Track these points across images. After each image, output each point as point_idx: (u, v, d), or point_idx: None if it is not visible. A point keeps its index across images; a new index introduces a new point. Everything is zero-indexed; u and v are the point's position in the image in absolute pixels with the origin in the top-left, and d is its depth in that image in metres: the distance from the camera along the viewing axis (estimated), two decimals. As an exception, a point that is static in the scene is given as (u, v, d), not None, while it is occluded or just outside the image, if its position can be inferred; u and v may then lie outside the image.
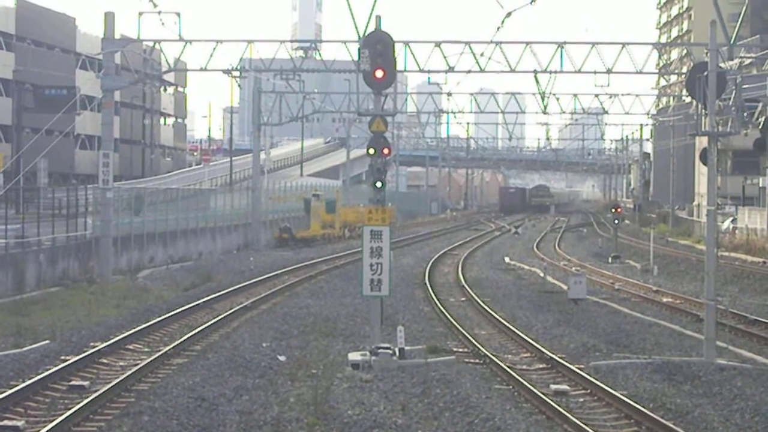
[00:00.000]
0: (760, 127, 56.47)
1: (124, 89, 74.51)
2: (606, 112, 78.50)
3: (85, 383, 22.13)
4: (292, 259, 58.44)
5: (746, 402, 21.10)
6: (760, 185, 78.44)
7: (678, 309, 37.84)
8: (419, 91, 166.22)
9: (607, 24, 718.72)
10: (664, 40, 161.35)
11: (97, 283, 42.62)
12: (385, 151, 26.36)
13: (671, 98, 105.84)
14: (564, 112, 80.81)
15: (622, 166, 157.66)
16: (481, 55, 49.60)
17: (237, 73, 63.19)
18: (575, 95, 75.75)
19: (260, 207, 70.62)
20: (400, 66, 45.97)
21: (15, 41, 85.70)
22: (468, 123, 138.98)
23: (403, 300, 38.45)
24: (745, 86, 50.10)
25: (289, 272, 48.97)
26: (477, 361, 26.03)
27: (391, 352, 25.06)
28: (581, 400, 21.70)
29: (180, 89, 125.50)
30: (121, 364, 24.76)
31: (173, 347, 26.25)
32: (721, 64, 39.55)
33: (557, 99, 71.62)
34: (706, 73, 26.89)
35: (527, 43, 50.10)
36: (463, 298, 40.53)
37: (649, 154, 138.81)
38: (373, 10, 34.30)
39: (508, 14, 41.62)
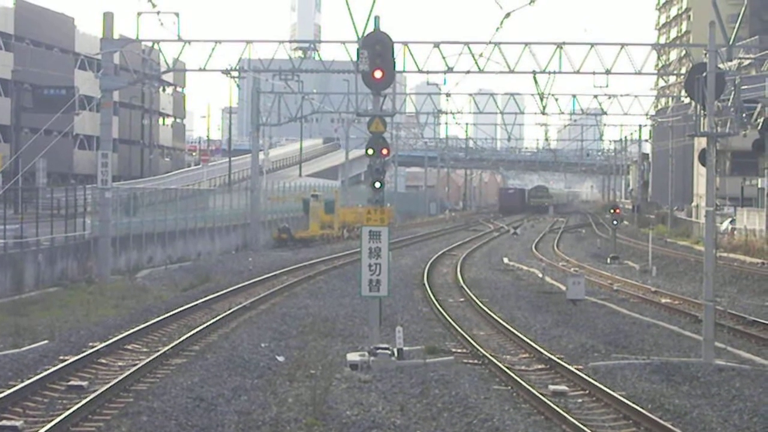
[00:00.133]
0: (758, 127, 56.57)
1: (122, 89, 74.49)
2: (605, 113, 78.49)
3: (84, 383, 22.13)
4: (290, 259, 58.44)
5: (745, 403, 21.11)
6: (759, 186, 78.45)
7: (676, 310, 37.84)
8: (418, 91, 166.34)
9: (606, 25, 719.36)
10: (663, 40, 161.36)
11: (96, 283, 42.61)
12: (384, 151, 26.36)
13: (670, 99, 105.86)
14: (563, 113, 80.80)
15: (621, 166, 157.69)
16: (480, 55, 49.64)
17: (236, 74, 63.16)
18: (574, 96, 75.70)
19: (259, 207, 70.61)
20: (398, 66, 45.98)
21: (14, 41, 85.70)
22: (467, 123, 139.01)
23: (401, 300, 38.45)
24: (743, 87, 50.19)
25: (287, 272, 48.96)
26: (475, 361, 26.04)
27: (389, 352, 25.06)
28: (580, 400, 21.71)
29: (179, 89, 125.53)
30: (120, 364, 24.76)
31: (172, 347, 26.25)
32: (720, 65, 39.56)
33: (556, 99, 71.67)
34: (705, 74, 26.91)
35: (526, 44, 50.11)
36: (462, 299, 40.54)
37: (647, 154, 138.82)
38: (372, 10, 34.26)
39: (507, 15, 41.57)
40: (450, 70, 49.91)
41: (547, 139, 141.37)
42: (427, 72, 51.99)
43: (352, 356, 25.21)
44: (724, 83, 34.38)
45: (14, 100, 74.42)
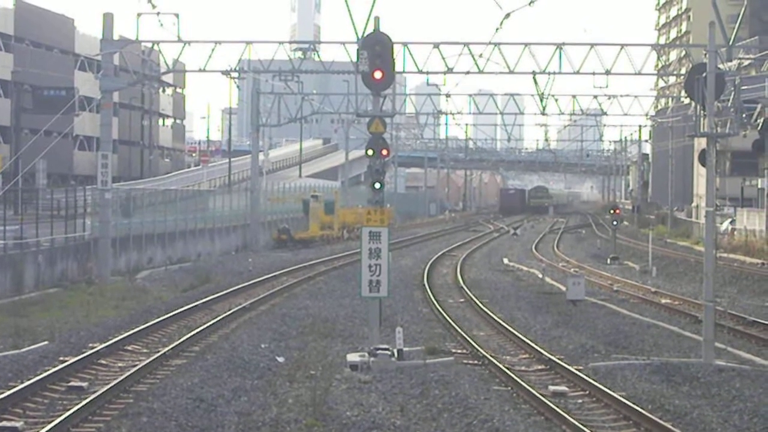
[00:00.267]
0: (758, 128, 56.56)
1: (122, 90, 74.46)
2: (605, 113, 78.49)
3: (84, 384, 22.13)
4: (290, 260, 58.44)
5: (745, 403, 21.11)
6: (759, 186, 78.44)
7: (677, 310, 37.84)
8: (418, 92, 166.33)
9: (605, 25, 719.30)
10: (662, 41, 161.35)
11: (96, 284, 42.61)
12: (384, 152, 26.37)
13: (670, 99, 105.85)
14: (563, 113, 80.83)
15: (621, 167, 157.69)
16: (480, 56, 49.64)
17: (236, 74, 63.23)
18: (574, 96, 75.67)
19: (259, 208, 70.61)
20: (398, 67, 45.98)
21: (14, 42, 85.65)
22: (467, 124, 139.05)
23: (401, 301, 38.45)
24: (743, 87, 50.19)
25: (287, 273, 48.97)
26: (476, 362, 26.04)
27: (389, 353, 25.07)
28: (580, 401, 21.71)
29: (179, 90, 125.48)
30: (120, 365, 24.76)
31: (172, 348, 26.25)
32: (720, 66, 39.54)
33: (556, 100, 71.56)
34: (704, 75, 26.91)
35: (526, 44, 50.11)
36: (462, 300, 40.54)
37: (647, 155, 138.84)
38: (371, 11, 34.27)
39: (507, 15, 41.55)
40: (450, 70, 49.91)
41: (547, 140, 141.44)
42: (427, 72, 51.99)
43: (352, 357, 25.21)
44: (724, 84, 34.36)
45: (14, 101, 74.41)
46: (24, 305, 35.23)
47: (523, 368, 25.34)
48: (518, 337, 29.39)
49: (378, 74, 25.92)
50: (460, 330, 30.79)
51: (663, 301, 40.87)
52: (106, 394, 20.67)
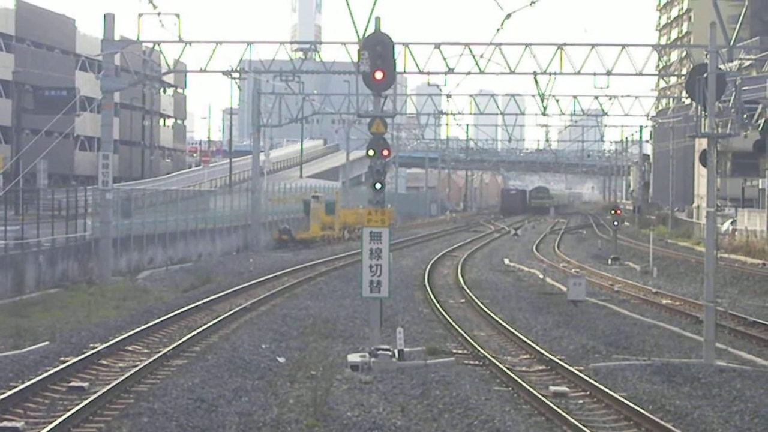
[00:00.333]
0: (759, 128, 56.48)
1: (123, 90, 74.45)
2: (605, 114, 78.42)
3: (85, 384, 22.14)
4: (291, 260, 58.44)
5: (746, 404, 21.11)
6: (760, 187, 78.45)
7: (677, 311, 37.84)
8: (419, 92, 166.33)
9: (606, 25, 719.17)
10: (663, 41, 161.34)
11: (97, 285, 42.61)
12: (385, 152, 26.37)
13: (671, 100, 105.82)
14: (563, 114, 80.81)
15: (622, 167, 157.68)
16: (481, 56, 49.62)
17: (237, 75, 63.17)
18: (575, 97, 75.70)
19: (260, 208, 70.61)
20: (399, 67, 46.00)
21: (15, 42, 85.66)
22: (467, 124, 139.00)
23: (402, 301, 38.45)
24: (744, 88, 50.10)
25: (288, 274, 48.97)
26: (476, 362, 26.04)
27: (390, 353, 25.06)
28: (581, 401, 21.71)
29: (179, 90, 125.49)
30: (121, 365, 24.77)
31: (173, 348, 26.26)
32: (721, 66, 39.52)
33: (557, 100, 71.55)
34: (705, 75, 26.91)
35: (527, 45, 50.09)
36: (463, 300, 40.54)
37: (648, 155, 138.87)
38: (372, 11, 34.25)
39: (508, 16, 41.51)
40: (451, 71, 49.90)
41: (547, 140, 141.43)
42: (428, 73, 51.97)
43: (353, 357, 25.21)
44: (725, 84, 34.35)
45: (15, 101, 74.37)
46: (25, 305, 35.23)
47: (523, 369, 25.34)
48: (519, 338, 29.39)
49: (379, 74, 25.93)
50: (460, 330, 30.79)
51: (664, 301, 40.86)
52: (106, 395, 20.68)
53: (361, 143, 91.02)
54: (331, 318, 33.55)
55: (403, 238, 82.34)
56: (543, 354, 26.39)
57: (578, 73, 50.16)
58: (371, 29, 28.46)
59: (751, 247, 64.14)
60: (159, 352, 25.86)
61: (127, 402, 20.60)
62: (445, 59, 49.56)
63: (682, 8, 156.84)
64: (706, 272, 27.16)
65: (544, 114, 65.28)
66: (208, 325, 30.68)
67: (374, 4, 33.51)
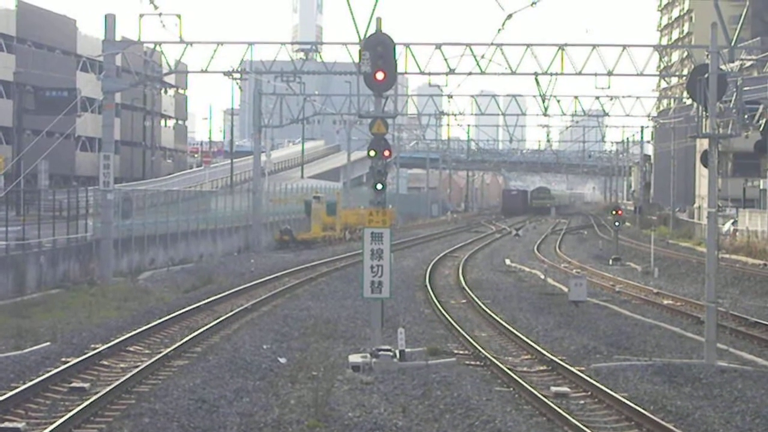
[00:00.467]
0: (760, 129, 56.47)
1: (124, 91, 74.48)
2: (607, 114, 78.44)
3: (86, 385, 22.14)
4: (292, 261, 58.46)
5: (747, 404, 21.11)
6: (761, 187, 78.49)
7: (679, 311, 37.84)
8: (420, 93, 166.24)
9: (607, 26, 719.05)
10: (665, 42, 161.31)
11: (98, 285, 42.62)
12: (386, 153, 26.37)
13: (672, 100, 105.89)
14: (565, 114, 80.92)
15: (623, 168, 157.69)
16: (482, 57, 49.63)
17: (238, 75, 63.24)
18: (576, 97, 75.69)
19: (261, 209, 70.61)
20: (400, 68, 46.01)
21: (16, 43, 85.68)
22: (468, 125, 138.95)
23: (403, 302, 38.45)
24: (745, 88, 50.17)
25: (289, 274, 48.98)
26: (478, 363, 26.04)
27: (391, 354, 25.07)
28: (582, 402, 21.70)
29: (181, 91, 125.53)
30: (122, 365, 24.77)
31: (174, 349, 26.27)
32: (722, 67, 39.56)
33: (558, 101, 71.61)
34: (706, 76, 26.91)
35: (528, 45, 50.11)
36: (464, 300, 40.54)
37: (649, 156, 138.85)
38: (373, 12, 34.29)
39: (509, 16, 41.55)
40: (452, 71, 49.91)
41: (549, 141, 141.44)
42: (429, 73, 52.01)
43: (354, 358, 25.21)
44: (726, 85, 34.38)
45: (16, 101, 74.39)
46: (26, 306, 35.24)
47: (525, 369, 25.34)
48: (520, 338, 29.39)
49: (380, 75, 25.93)
50: (462, 331, 30.79)
51: (665, 302, 40.86)
52: (108, 395, 20.68)
53: (363, 144, 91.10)
54: (333, 318, 33.56)
55: (405, 238, 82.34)
56: (544, 354, 26.39)
57: (579, 73, 50.17)
58: (372, 30, 28.49)
59: (752, 247, 64.15)
60: (160, 352, 25.87)
61: (128, 403, 20.61)
62: (446, 60, 49.59)
63: (683, 9, 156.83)
64: (707, 273, 27.16)
65: (545, 114, 65.35)
66: (210, 325, 30.69)
67: (375, 5, 33.56)
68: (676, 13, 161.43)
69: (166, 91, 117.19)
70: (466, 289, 43.63)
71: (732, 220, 77.04)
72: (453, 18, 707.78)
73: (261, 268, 52.25)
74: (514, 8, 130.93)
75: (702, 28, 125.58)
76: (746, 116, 50.26)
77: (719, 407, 20.91)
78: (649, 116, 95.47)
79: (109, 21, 47.14)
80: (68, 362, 24.03)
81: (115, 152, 57.32)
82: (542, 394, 21.57)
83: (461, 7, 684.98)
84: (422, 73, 50.47)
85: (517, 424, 19.44)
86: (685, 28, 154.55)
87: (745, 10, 53.25)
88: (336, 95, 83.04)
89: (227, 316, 33.02)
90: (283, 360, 25.59)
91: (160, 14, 45.45)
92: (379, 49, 25.96)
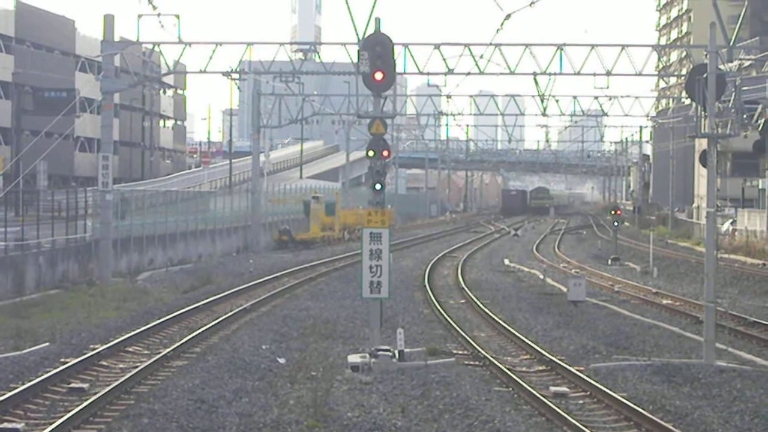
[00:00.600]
0: (759, 129, 56.53)
1: (123, 91, 74.45)
2: (605, 114, 78.47)
3: (85, 385, 22.13)
4: (291, 261, 58.46)
5: (746, 404, 21.12)
6: (760, 187, 78.48)
7: (677, 311, 37.84)
8: (419, 93, 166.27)
9: (606, 26, 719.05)
10: (663, 41, 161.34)
11: (97, 286, 42.62)
12: (385, 153, 26.37)
13: (671, 100, 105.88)
14: (563, 114, 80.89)
15: (622, 168, 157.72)
16: (481, 57, 49.64)
17: (236, 76, 63.23)
18: (575, 97, 75.72)
19: (260, 209, 70.63)
20: (399, 68, 45.99)
21: (14, 44, 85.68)
22: (467, 125, 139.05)
23: (402, 302, 38.45)
24: (744, 88, 50.14)
25: (288, 274, 48.98)
26: (477, 363, 26.04)
27: (390, 354, 25.07)
28: (581, 402, 21.71)
29: (179, 91, 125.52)
30: (121, 366, 24.77)
31: (173, 349, 26.26)
32: (721, 66, 39.54)
33: (557, 101, 71.55)
34: (705, 75, 26.91)
35: (526, 45, 50.11)
36: (463, 301, 40.54)
37: (648, 156, 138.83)
38: (372, 12, 34.27)
39: (508, 16, 41.47)
40: (450, 71, 49.92)
41: (547, 141, 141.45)
42: (428, 73, 52.02)
43: (353, 358, 25.21)
44: (725, 84, 34.36)
45: (15, 102, 74.39)
46: (25, 306, 35.23)
47: (524, 369, 25.34)
48: (519, 338, 29.40)
49: (379, 75, 25.94)
50: (461, 331, 30.80)
51: (664, 301, 40.87)
52: (107, 396, 20.68)
53: (361, 144, 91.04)
54: (332, 319, 33.56)
55: (403, 238, 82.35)
56: (543, 354, 26.39)
57: (578, 73, 50.18)
58: (371, 30, 28.48)
59: (751, 247, 64.14)
60: (159, 353, 25.86)
61: (127, 403, 20.60)
62: (444, 60, 49.60)
63: (681, 8, 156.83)
64: (706, 272, 27.16)
65: (544, 114, 65.30)
66: (209, 326, 30.68)
67: (374, 5, 33.53)
68: (674, 13, 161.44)
69: (164, 92, 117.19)
70: (465, 289, 43.63)
71: (731, 220, 77.05)
72: (452, 18, 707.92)
73: (260, 268, 52.25)
74: (513, 8, 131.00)
75: (701, 27, 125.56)
76: (745, 116, 50.25)
77: (718, 407, 20.92)
78: (647, 116, 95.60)
79: (108, 21, 47.14)
80: (67, 363, 24.03)
81: (114, 153, 57.39)
82: (541, 394, 21.57)
83: (460, 7, 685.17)
84: (421, 73, 50.50)
85: (516, 424, 19.44)
86: (684, 28, 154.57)
87: (743, 9, 53.30)
88: (335, 95, 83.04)
89: (226, 316, 33.02)
90: (282, 360, 25.60)
91: (158, 15, 45.48)
92: (377, 50, 25.97)
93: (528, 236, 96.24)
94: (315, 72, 60.07)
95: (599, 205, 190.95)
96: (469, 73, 51.01)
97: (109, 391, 20.99)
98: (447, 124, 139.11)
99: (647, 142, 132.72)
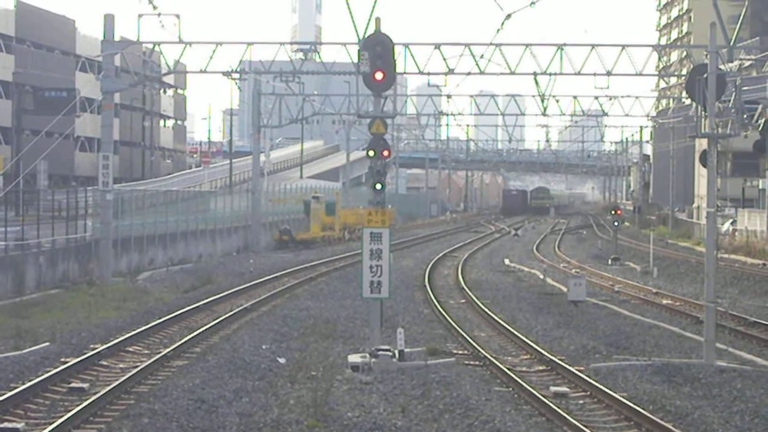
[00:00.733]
0: (759, 129, 56.51)
1: (123, 91, 74.45)
2: (606, 114, 78.44)
3: (85, 385, 22.13)
4: (291, 261, 58.45)
5: (746, 404, 21.12)
6: (760, 187, 78.46)
7: (678, 311, 37.84)
8: (419, 93, 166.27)
9: (606, 26, 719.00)
10: (664, 41, 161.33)
11: (97, 285, 42.61)
12: (385, 153, 26.37)
13: (671, 100, 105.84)
14: (564, 114, 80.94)
15: (622, 168, 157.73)
16: (481, 57, 49.63)
17: (237, 75, 63.18)
18: (575, 97, 75.64)
19: (260, 209, 70.62)
20: (399, 68, 45.99)
21: (15, 43, 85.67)
22: (468, 125, 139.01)
23: (402, 302, 38.45)
24: (744, 88, 50.13)
25: (288, 274, 48.98)
26: (477, 363, 26.04)
27: (390, 354, 25.07)
28: (581, 402, 21.71)
29: (180, 91, 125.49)
30: (121, 366, 24.77)
31: (173, 349, 26.26)
32: (721, 66, 39.55)
33: (557, 101, 71.53)
34: (705, 75, 26.91)
35: (527, 45, 50.11)
36: (463, 300, 40.53)
37: (648, 156, 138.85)
38: (372, 12, 34.29)
39: (508, 16, 41.56)
40: (451, 71, 49.91)
41: (548, 141, 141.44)
42: (428, 73, 52.01)
43: (354, 358, 25.22)
44: (725, 84, 34.37)
45: (15, 102, 74.38)
46: (25, 306, 35.24)
47: (524, 369, 25.34)
48: (519, 338, 29.39)
49: (379, 75, 25.93)
50: (461, 331, 30.80)
51: (664, 301, 40.87)
52: (107, 396, 20.68)
53: (362, 144, 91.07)
54: (332, 318, 33.56)
55: (404, 238, 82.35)
56: (543, 354, 26.39)
57: (578, 73, 50.17)
58: (371, 30, 28.48)
59: (752, 247, 64.13)
60: (159, 352, 25.86)
61: (127, 403, 20.60)
62: (445, 60, 49.59)
63: (682, 8, 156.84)
64: (706, 272, 27.16)
65: (544, 114, 65.31)
66: (209, 325, 30.68)
67: (374, 5, 33.56)
68: (675, 12, 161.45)
69: (165, 92, 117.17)
70: (466, 289, 43.63)
71: (731, 220, 77.04)
72: (452, 18, 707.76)
73: (260, 268, 52.25)
74: (513, 8, 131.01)
75: (701, 27, 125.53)
76: (745, 116, 50.25)
77: (718, 407, 20.92)
78: (648, 116, 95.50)
79: (108, 21, 47.14)
80: (67, 362, 24.03)
81: (114, 152, 57.40)
82: (541, 394, 21.57)
83: (460, 7, 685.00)
84: (421, 73, 50.48)
85: (516, 424, 19.44)
86: (684, 28, 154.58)
87: (744, 9, 53.29)
88: (335, 95, 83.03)
89: (226, 316, 33.02)
90: (282, 360, 25.60)
91: (159, 14, 45.48)
92: (378, 49, 25.97)
93: (528, 236, 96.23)
94: (315, 72, 60.07)
95: (599, 205, 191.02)
96: (469, 73, 51.03)
97: (109, 390, 20.99)
98: (447, 124, 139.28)
99: (647, 142, 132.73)
